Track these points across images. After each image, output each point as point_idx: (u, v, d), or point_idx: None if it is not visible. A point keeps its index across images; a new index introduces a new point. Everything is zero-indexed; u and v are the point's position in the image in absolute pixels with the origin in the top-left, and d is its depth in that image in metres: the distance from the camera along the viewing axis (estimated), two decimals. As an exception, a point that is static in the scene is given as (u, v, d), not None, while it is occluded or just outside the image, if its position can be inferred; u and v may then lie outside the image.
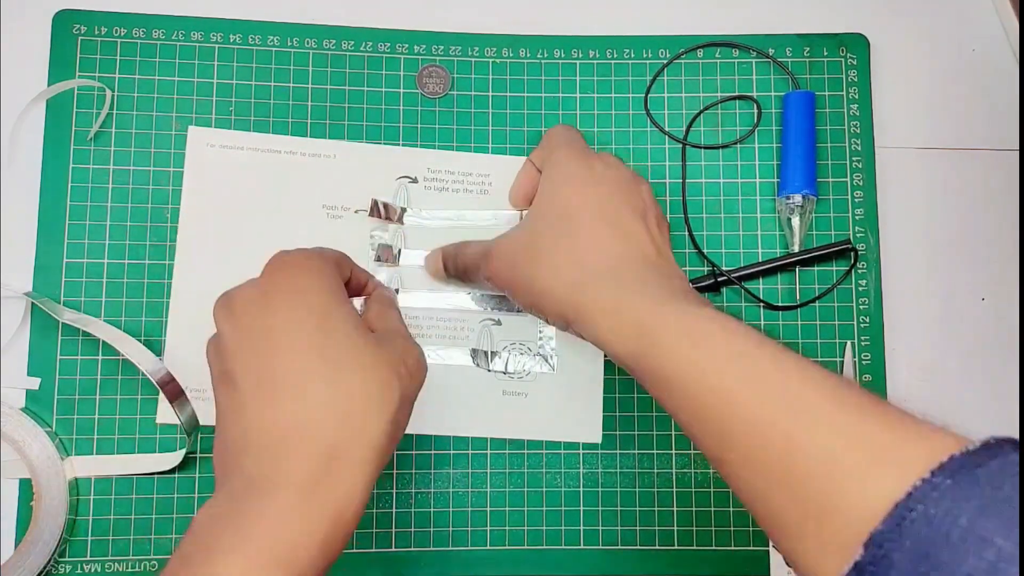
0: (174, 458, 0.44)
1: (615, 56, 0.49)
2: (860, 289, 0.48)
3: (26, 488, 0.44)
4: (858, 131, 0.49)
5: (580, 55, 0.49)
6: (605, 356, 0.47)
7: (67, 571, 0.44)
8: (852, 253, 0.48)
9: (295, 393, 0.31)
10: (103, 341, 0.44)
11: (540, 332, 0.47)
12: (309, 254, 0.36)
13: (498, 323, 0.47)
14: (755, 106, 0.49)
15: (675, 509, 0.46)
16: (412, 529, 0.45)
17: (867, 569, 0.24)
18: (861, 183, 0.49)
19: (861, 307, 0.48)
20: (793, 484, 0.27)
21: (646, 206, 0.40)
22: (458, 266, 0.44)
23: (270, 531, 0.29)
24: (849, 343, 0.47)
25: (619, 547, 0.46)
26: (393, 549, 0.45)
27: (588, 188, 0.40)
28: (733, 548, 0.46)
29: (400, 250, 0.47)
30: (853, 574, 0.25)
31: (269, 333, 0.32)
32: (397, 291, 0.47)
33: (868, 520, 0.25)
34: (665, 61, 0.49)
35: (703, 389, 0.31)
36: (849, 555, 0.25)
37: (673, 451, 0.46)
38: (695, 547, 0.46)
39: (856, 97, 0.49)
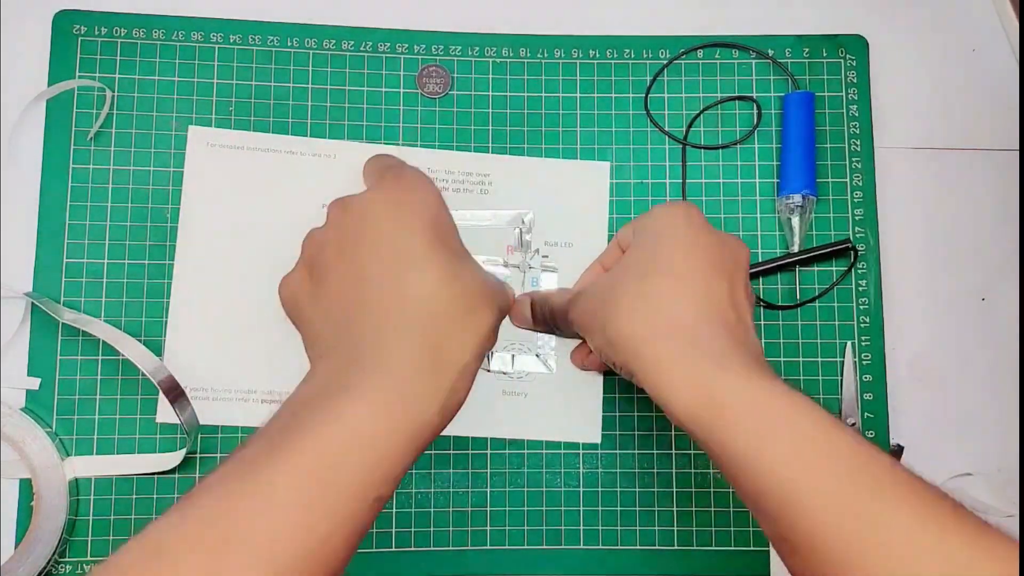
0: (174, 458, 0.44)
1: (615, 56, 0.49)
2: (860, 289, 0.48)
3: (26, 488, 0.44)
4: (857, 131, 0.49)
5: (580, 55, 0.49)
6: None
7: (67, 571, 0.44)
8: (852, 253, 0.48)
9: (418, 268, 0.32)
10: (103, 341, 0.44)
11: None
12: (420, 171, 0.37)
13: (498, 323, 0.47)
14: (755, 107, 0.49)
15: (675, 509, 0.46)
16: (412, 529, 0.45)
17: None
18: (861, 183, 0.49)
19: (861, 307, 0.48)
20: None
21: (736, 269, 0.38)
22: (545, 310, 0.43)
23: (396, 379, 0.29)
24: (849, 343, 0.47)
25: (619, 547, 0.46)
26: (393, 549, 0.45)
27: (683, 242, 0.37)
28: (733, 548, 0.46)
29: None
30: None
31: (394, 210, 0.33)
32: None
33: None
34: (665, 61, 0.49)
35: (766, 471, 0.30)
36: None
37: (673, 451, 0.46)
38: (695, 547, 0.46)
39: (855, 98, 0.49)
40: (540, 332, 0.46)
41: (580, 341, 0.45)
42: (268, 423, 0.30)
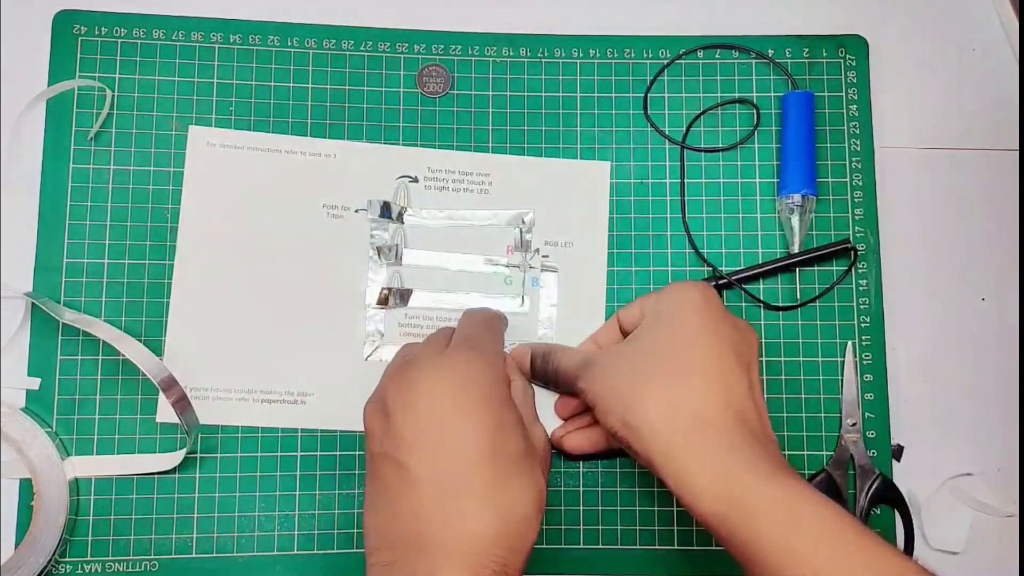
0: (174, 458, 0.44)
1: (615, 56, 0.49)
2: (860, 289, 0.48)
3: (26, 488, 0.44)
4: (857, 131, 0.49)
5: (580, 55, 0.49)
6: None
7: (67, 571, 0.44)
8: (852, 253, 0.48)
9: (473, 498, 0.35)
10: (103, 341, 0.44)
11: (540, 333, 0.47)
12: (495, 342, 0.41)
13: (498, 323, 0.47)
14: (754, 110, 0.49)
15: (675, 509, 0.46)
16: (412, 529, 0.45)
17: None
18: (860, 183, 0.49)
19: (861, 307, 0.48)
20: None
21: (752, 356, 0.39)
22: (548, 370, 0.43)
23: None
24: (850, 343, 0.47)
25: (619, 547, 0.45)
26: (393, 549, 0.45)
27: (704, 330, 0.38)
28: (733, 548, 0.46)
29: (400, 249, 0.47)
30: None
31: (449, 431, 0.36)
32: (408, 291, 0.47)
33: None
34: (665, 61, 0.49)
35: (792, 562, 0.32)
36: None
37: (673, 451, 0.46)
38: (695, 547, 0.46)
39: (855, 98, 0.49)
40: (536, 385, 0.45)
41: (564, 423, 0.45)
42: None
